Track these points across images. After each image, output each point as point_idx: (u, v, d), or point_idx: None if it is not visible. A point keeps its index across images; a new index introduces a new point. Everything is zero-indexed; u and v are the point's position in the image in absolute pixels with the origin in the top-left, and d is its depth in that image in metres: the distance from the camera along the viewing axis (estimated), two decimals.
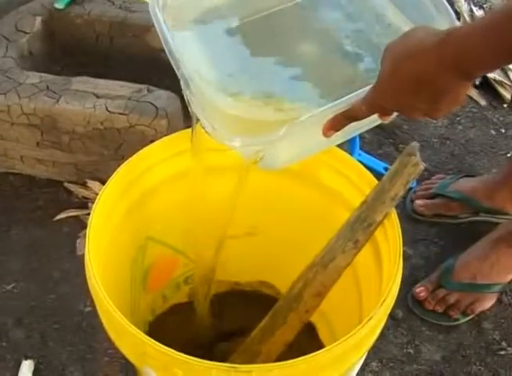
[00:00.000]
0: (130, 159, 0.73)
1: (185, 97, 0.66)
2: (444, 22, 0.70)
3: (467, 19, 1.56)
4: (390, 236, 0.66)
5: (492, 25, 0.54)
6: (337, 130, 0.66)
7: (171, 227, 0.81)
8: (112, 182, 0.70)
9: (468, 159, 1.27)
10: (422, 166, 0.66)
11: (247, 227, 0.84)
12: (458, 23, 0.71)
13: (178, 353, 0.54)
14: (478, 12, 1.57)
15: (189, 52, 0.71)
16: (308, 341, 0.86)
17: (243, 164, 0.66)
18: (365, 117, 0.64)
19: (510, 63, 0.58)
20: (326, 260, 0.69)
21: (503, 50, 0.54)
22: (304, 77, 0.71)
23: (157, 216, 0.78)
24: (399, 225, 0.66)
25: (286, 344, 0.74)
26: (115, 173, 0.71)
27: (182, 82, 0.65)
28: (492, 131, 1.33)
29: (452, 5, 1.57)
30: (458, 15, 1.57)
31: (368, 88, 0.63)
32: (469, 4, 1.60)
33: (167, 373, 0.56)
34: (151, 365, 0.57)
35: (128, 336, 0.58)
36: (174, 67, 0.66)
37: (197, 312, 0.87)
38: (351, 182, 0.73)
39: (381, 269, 0.69)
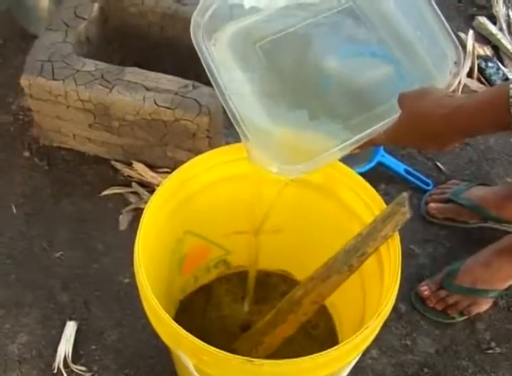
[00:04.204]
0: (182, 166, 0.83)
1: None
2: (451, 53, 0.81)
3: (503, 24, 1.60)
4: (392, 256, 0.76)
5: (488, 106, 0.66)
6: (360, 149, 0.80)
7: (207, 223, 0.92)
8: (165, 184, 0.81)
9: (485, 166, 1.32)
10: (409, 215, 0.76)
11: (274, 225, 0.94)
12: (462, 61, 0.80)
13: (206, 345, 0.66)
14: None
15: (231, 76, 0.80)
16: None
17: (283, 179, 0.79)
18: (384, 145, 0.78)
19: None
20: (324, 276, 0.79)
21: (501, 126, 0.65)
22: (330, 106, 0.82)
23: (196, 214, 0.89)
24: (400, 250, 0.76)
25: (286, 337, 0.86)
26: (168, 177, 0.82)
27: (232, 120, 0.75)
28: None
29: (489, 8, 1.62)
30: (494, 19, 1.61)
31: (386, 122, 0.77)
32: (507, 9, 1.63)
33: (196, 358, 0.68)
34: (183, 350, 0.69)
35: (166, 326, 0.70)
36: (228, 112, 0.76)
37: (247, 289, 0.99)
38: (364, 201, 0.83)
39: (383, 279, 0.79)
